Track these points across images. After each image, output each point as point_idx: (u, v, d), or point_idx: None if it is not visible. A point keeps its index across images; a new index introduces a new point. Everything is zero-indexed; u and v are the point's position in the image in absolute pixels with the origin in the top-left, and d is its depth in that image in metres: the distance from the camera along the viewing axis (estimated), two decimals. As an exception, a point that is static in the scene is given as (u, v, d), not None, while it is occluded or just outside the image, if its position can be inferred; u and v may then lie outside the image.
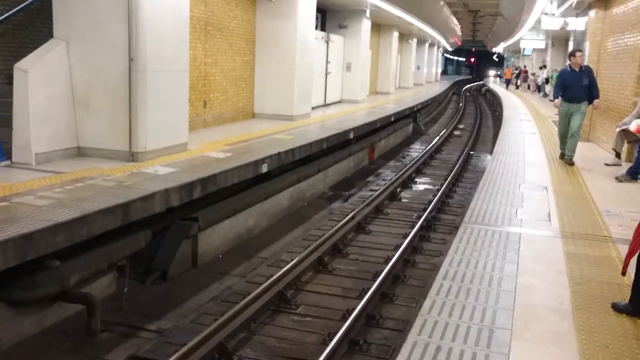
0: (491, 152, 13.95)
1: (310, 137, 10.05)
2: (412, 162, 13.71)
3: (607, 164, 8.53)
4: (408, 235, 7.84)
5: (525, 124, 14.54)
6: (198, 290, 6.13)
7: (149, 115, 6.90)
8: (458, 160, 14.55)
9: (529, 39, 29.45)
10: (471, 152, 16.27)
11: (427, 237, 8.12)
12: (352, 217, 8.63)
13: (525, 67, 40.28)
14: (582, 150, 10.17)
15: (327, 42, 16.01)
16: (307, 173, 9.92)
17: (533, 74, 33.20)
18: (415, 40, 30.59)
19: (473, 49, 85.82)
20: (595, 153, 10.08)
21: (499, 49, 50.56)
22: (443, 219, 9.15)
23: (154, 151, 7.07)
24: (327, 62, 16.08)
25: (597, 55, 11.13)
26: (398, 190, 11.03)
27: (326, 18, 17.47)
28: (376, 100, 20.28)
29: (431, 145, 16.88)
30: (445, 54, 77.16)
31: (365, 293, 5.86)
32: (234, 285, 6.28)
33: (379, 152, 15.10)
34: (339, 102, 17.90)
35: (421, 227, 8.33)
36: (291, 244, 7.73)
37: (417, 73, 35.52)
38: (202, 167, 6.95)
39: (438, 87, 35.10)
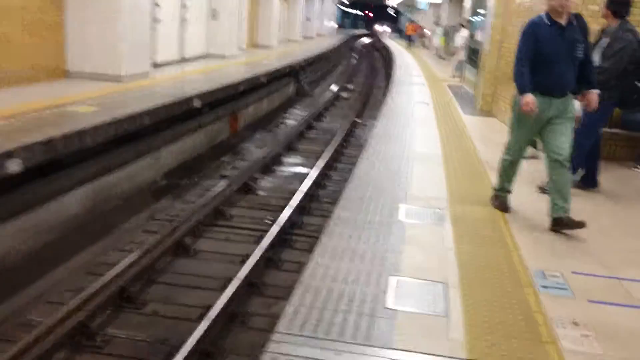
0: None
1: (125, 109, 7.14)
2: (284, 134, 11.20)
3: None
4: (249, 258, 5.38)
5: (417, 90, 12.38)
6: None
7: None
8: (340, 130, 12.20)
9: (424, -8, 27.50)
10: (357, 120, 13.97)
11: (276, 261, 5.65)
12: (174, 230, 5.98)
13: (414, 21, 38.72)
14: (484, 130, 8.05)
15: (181, -20, 12.84)
16: (121, 160, 7.08)
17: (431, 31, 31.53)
18: (304, -13, 27.71)
19: (372, 5, 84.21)
20: (501, 135, 7.91)
21: (395, 2, 48.81)
22: (306, 224, 6.73)
23: None
24: (183, 6, 12.95)
25: (504, 7, 8.97)
26: (256, 177, 8.46)
27: (185, -48, 14.17)
28: (254, 55, 17.41)
29: (313, 110, 14.42)
30: (341, 7, 74.78)
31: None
32: None
33: (246, 121, 12.39)
34: (204, 57, 14.86)
35: (271, 244, 5.85)
36: (58, 286, 4.96)
37: (307, 25, 32.77)
38: None
39: (330, 41, 32.55)
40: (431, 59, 24.03)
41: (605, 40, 4.87)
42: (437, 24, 29.25)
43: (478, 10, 13.34)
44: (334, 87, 19.23)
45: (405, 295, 3.07)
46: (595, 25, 6.04)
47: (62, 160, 5.82)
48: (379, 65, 31.86)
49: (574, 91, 4.48)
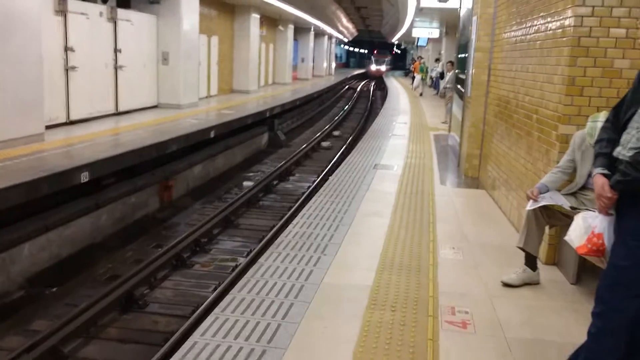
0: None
1: None
2: (230, 203, 8.88)
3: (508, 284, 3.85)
4: None
5: (392, 145, 10.03)
6: None
7: None
8: (305, 192, 9.97)
9: (421, 27, 25.55)
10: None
11: None
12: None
13: (421, 58, 36.73)
14: (462, 216, 5.64)
15: (114, 21, 10.84)
16: None
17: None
18: (291, 27, 25.91)
19: (377, 43, 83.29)
20: (487, 228, 5.27)
21: (396, 39, 47.22)
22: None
23: None
24: (117, 50, 10.93)
25: (489, 39, 6.72)
26: (158, 278, 6.18)
27: (127, -12, 12.28)
28: (222, 102, 15.37)
29: (280, 166, 12.16)
30: (346, 46, 73.78)
31: None
32: None
33: (189, 185, 10.19)
34: (154, 107, 12.80)
35: None
36: None
37: (302, 66, 31.06)
38: None
39: (326, 82, 30.62)
40: (428, 100, 21.87)
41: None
42: (436, 60, 27.26)
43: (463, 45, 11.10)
44: (317, 135, 17.05)
45: None
46: (620, 61, 3.75)
47: None
48: (378, 105, 29.83)
49: None
